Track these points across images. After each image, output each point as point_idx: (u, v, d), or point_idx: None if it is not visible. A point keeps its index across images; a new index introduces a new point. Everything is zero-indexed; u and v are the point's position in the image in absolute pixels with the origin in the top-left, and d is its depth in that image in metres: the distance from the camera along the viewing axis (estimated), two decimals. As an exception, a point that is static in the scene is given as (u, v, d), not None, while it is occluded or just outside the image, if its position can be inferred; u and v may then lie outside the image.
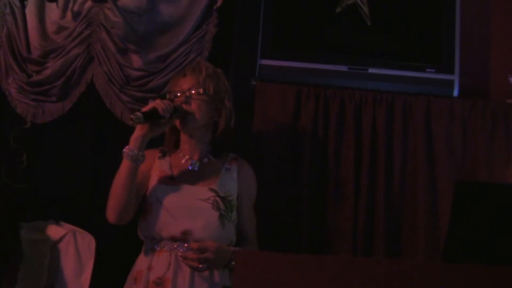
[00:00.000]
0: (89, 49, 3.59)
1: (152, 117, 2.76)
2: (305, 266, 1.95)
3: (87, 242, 3.30)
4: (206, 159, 2.95)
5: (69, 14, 3.65)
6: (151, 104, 2.81)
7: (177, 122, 2.91)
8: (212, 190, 2.85)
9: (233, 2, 3.62)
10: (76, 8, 3.64)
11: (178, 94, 2.90)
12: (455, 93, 3.57)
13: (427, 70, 3.56)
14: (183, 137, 2.97)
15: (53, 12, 3.66)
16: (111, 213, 2.80)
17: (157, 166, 2.93)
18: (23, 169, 3.56)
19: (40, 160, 3.60)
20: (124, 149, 2.78)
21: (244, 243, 2.94)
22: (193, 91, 2.89)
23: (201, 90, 2.89)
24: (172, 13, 3.62)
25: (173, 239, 2.78)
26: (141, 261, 2.85)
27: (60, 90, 3.58)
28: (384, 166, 3.46)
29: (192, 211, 2.80)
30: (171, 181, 2.88)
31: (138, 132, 2.78)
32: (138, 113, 2.73)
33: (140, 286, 2.77)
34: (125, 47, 3.58)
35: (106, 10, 3.60)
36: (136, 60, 3.59)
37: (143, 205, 2.86)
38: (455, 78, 3.56)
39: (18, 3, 3.65)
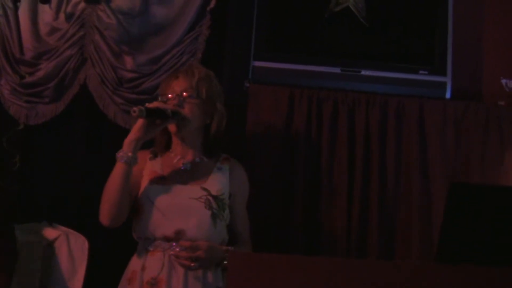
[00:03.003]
0: (82, 50, 3.59)
1: (153, 114, 2.77)
2: (299, 268, 1.95)
3: (80, 244, 3.30)
4: (198, 159, 2.95)
5: (62, 15, 3.65)
6: (154, 103, 2.81)
7: (171, 126, 2.91)
8: (204, 189, 2.85)
9: (226, 3, 3.62)
10: (69, 9, 3.64)
11: (170, 96, 2.89)
12: (448, 95, 3.59)
13: (420, 72, 3.57)
14: (175, 139, 2.97)
15: (46, 13, 3.66)
16: (105, 216, 2.79)
17: (149, 167, 2.93)
18: (16, 171, 3.56)
19: (33, 162, 3.60)
20: (117, 153, 2.78)
21: (238, 243, 2.94)
22: (185, 94, 2.88)
23: (194, 94, 2.89)
24: (165, 15, 3.62)
25: (166, 239, 2.78)
26: (135, 262, 2.84)
27: (53, 92, 3.57)
28: (377, 167, 3.47)
29: (184, 211, 2.80)
30: (163, 181, 2.87)
31: (132, 135, 2.78)
32: (142, 107, 2.72)
33: (134, 287, 2.77)
34: (118, 49, 3.58)
35: (99, 11, 3.60)
36: (129, 62, 3.59)
37: (135, 206, 2.86)
38: (448, 80, 3.57)
39: (11, 4, 3.64)
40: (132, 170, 2.80)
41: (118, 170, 2.77)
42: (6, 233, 2.97)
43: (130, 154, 2.76)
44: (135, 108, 2.70)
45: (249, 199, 3.04)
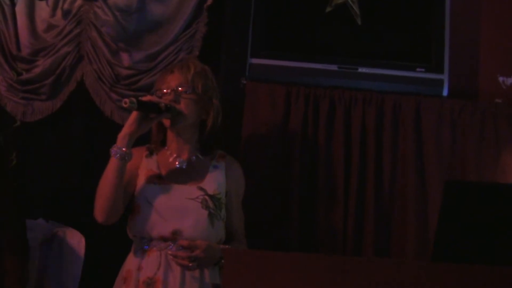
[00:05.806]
0: (79, 47, 3.60)
1: (145, 107, 2.73)
2: (295, 265, 1.95)
3: (76, 241, 3.30)
4: (194, 157, 2.92)
5: (59, 12, 3.65)
6: (147, 97, 2.79)
7: (165, 121, 2.89)
8: (201, 188, 2.83)
9: (223, 0, 3.62)
10: (66, 6, 3.64)
11: (165, 91, 2.86)
12: (445, 92, 3.58)
13: (417, 69, 3.57)
14: (171, 135, 2.94)
15: (43, 10, 3.66)
16: (99, 213, 2.76)
17: (145, 165, 2.89)
18: (13, 168, 3.55)
19: (30, 159, 3.59)
20: (111, 148, 2.75)
21: (233, 240, 2.93)
22: (181, 89, 2.87)
23: (189, 88, 2.87)
24: (162, 12, 3.62)
25: (163, 239, 2.76)
26: (131, 261, 2.82)
27: (50, 89, 3.57)
28: (374, 165, 3.46)
29: (181, 211, 2.78)
30: (159, 180, 2.85)
31: (126, 130, 2.75)
32: (133, 99, 2.68)
33: (130, 287, 2.75)
34: (115, 46, 3.58)
35: (96, 8, 3.60)
36: (126, 59, 3.59)
37: (131, 204, 2.84)
38: (445, 77, 3.57)
39: (8, 1, 3.64)
40: (126, 166, 2.76)
41: (112, 166, 2.74)
42: (16, 229, 2.92)
43: (124, 149, 2.73)
44: (126, 100, 2.66)
45: (245, 197, 3.03)
